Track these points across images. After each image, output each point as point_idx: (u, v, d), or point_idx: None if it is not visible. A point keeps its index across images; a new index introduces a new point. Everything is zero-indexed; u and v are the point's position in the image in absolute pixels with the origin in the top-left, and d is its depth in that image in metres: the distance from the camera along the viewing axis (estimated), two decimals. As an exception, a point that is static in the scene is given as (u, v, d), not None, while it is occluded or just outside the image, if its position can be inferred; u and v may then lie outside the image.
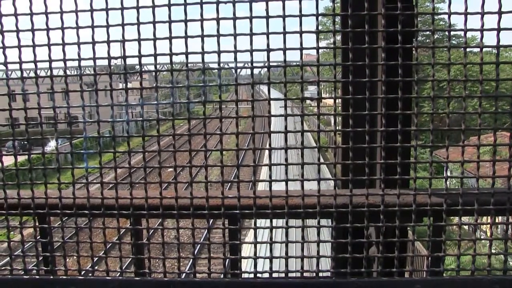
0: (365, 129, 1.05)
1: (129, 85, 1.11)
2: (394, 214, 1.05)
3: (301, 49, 1.06)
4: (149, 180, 1.09)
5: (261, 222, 1.08)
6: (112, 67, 1.12)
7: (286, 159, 1.00)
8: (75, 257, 1.09)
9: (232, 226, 1.08)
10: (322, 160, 1.07)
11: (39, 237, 1.17)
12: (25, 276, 1.04)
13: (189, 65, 1.06)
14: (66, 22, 1.12)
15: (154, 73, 1.15)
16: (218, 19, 1.03)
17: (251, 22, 1.06)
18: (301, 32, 1.06)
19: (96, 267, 1.11)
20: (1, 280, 1.03)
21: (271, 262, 1.02)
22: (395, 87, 1.07)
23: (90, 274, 1.07)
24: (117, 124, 1.09)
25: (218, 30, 1.05)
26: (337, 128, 1.15)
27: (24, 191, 1.12)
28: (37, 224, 1.12)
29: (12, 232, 1.18)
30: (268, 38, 1.05)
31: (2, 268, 1.06)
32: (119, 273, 1.05)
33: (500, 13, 0.91)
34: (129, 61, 1.16)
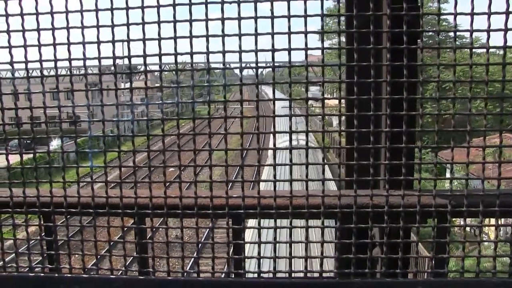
0: (369, 129, 1.05)
1: (133, 85, 1.11)
2: (398, 215, 1.04)
3: (306, 49, 1.06)
4: (151, 179, 1.09)
5: (260, 222, 1.08)
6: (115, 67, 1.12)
7: (291, 160, 1.00)
8: (78, 256, 1.09)
9: (235, 226, 1.08)
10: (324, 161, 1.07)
11: (43, 234, 1.18)
12: (30, 274, 1.05)
13: (192, 65, 1.06)
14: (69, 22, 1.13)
15: (159, 73, 1.15)
16: (223, 19, 1.04)
17: (256, 22, 1.06)
18: (306, 33, 1.06)
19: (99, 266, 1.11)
20: (7, 277, 1.04)
21: (275, 262, 1.02)
22: (399, 87, 1.07)
23: (94, 273, 1.07)
24: (119, 123, 1.09)
25: (223, 30, 1.05)
26: (341, 128, 1.15)
27: (28, 189, 1.12)
28: (41, 222, 1.12)
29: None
30: (273, 38, 1.05)
31: (8, 265, 1.07)
32: (123, 272, 1.05)
33: (507, 13, 0.91)
34: (132, 61, 1.16)
